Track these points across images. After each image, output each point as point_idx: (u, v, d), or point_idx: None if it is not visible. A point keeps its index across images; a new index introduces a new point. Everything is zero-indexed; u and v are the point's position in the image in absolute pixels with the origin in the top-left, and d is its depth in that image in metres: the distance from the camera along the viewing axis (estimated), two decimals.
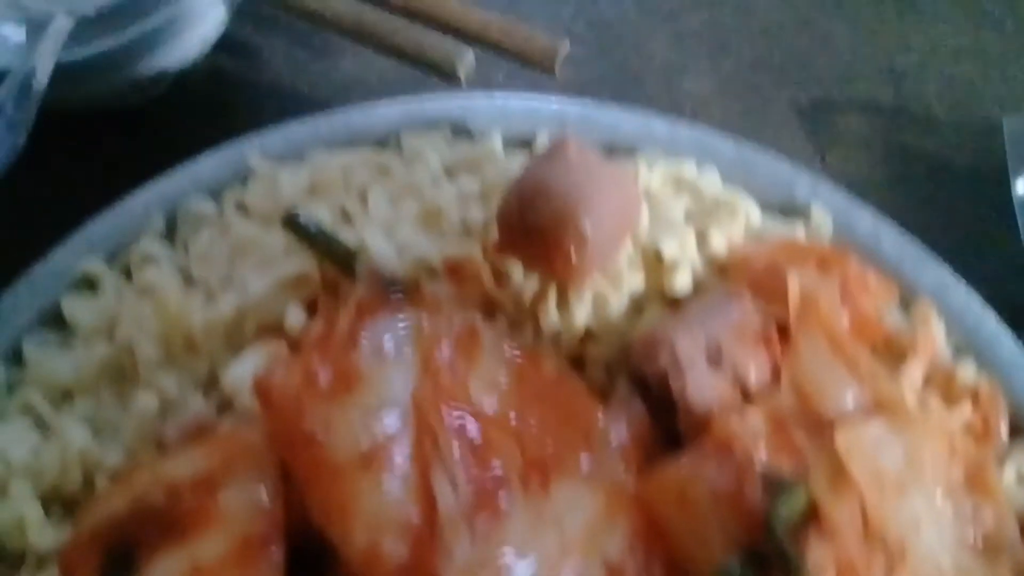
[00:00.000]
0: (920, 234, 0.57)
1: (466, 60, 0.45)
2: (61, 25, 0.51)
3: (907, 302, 0.39)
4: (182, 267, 0.37)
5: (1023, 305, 0.51)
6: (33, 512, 0.31)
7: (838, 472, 0.30)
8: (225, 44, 0.57)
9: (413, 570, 0.27)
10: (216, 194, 0.39)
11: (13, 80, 0.47)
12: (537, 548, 0.27)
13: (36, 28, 0.54)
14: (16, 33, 0.57)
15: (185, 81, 0.56)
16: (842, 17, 0.67)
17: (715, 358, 0.32)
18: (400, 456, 0.30)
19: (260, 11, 0.55)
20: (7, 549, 0.31)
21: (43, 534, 0.31)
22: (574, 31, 0.65)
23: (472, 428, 0.30)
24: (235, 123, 0.59)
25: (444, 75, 0.46)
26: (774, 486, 0.28)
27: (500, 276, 0.36)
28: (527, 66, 0.48)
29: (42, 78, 0.48)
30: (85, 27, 0.54)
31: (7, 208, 0.45)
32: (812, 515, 0.29)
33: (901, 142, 0.62)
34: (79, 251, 0.37)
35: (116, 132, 0.55)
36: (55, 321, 0.36)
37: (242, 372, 0.33)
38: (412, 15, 0.49)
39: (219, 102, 0.60)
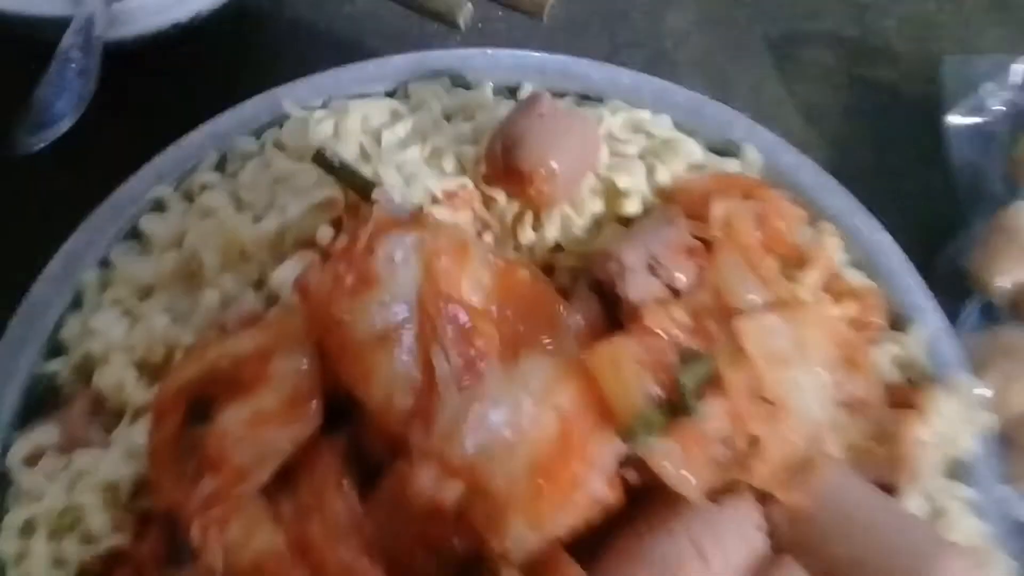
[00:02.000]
0: (869, 155, 0.63)
1: (465, 10, 0.53)
2: None
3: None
4: (232, 193, 0.45)
5: (944, 214, 0.60)
6: (130, 376, 0.41)
7: (737, 349, 0.39)
8: None
9: (416, 415, 0.36)
10: (258, 134, 0.48)
11: (76, 28, 0.53)
12: (505, 399, 0.36)
13: None
14: None
15: (216, 19, 0.60)
16: None
17: (653, 267, 0.41)
18: (407, 336, 0.38)
19: None
20: (111, 405, 0.41)
21: (137, 392, 0.40)
22: None
23: (462, 317, 0.39)
24: (261, 57, 0.66)
25: (446, 22, 0.53)
26: (686, 357, 0.37)
27: (488, 201, 0.44)
28: (520, 13, 0.55)
29: (101, 24, 0.54)
30: None
31: (80, 145, 0.51)
32: (715, 380, 0.38)
33: (861, 73, 0.68)
34: (150, 180, 0.46)
35: (155, 70, 0.60)
36: (135, 236, 0.45)
37: (285, 275, 0.42)
38: None
39: (245, 38, 0.64)
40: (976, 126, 0.61)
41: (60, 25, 0.54)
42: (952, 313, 0.53)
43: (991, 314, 0.56)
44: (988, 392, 0.49)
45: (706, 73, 0.67)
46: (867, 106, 0.66)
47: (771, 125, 0.61)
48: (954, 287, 0.56)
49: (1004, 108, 0.61)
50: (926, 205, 0.61)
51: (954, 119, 0.61)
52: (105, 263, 0.44)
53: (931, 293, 0.45)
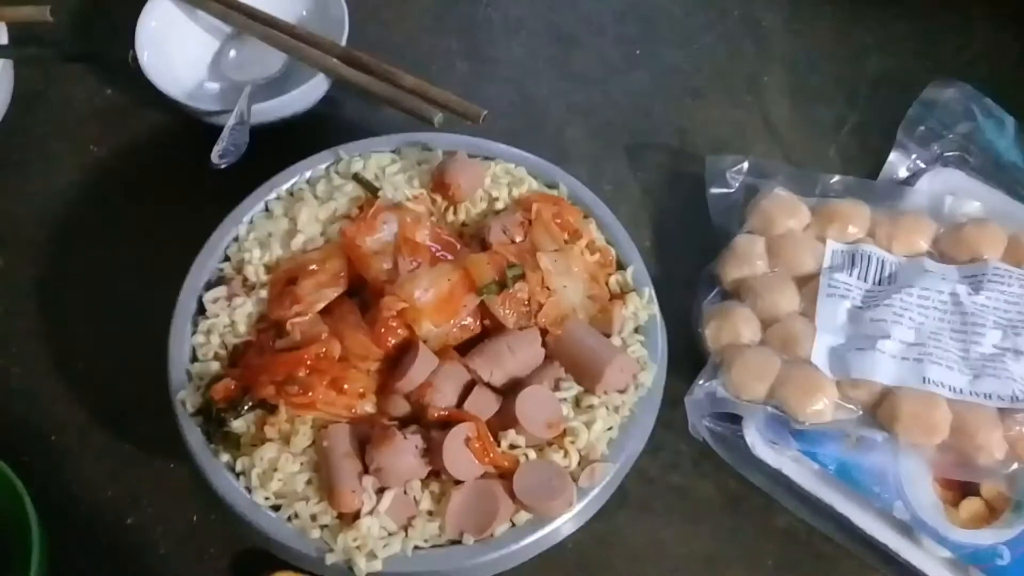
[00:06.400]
0: (679, 211, 0.94)
1: (438, 117, 0.83)
2: (249, 89, 1.00)
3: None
4: (313, 191, 0.85)
5: (710, 244, 0.90)
6: (260, 270, 0.82)
7: (536, 265, 0.80)
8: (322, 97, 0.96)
9: (388, 281, 0.79)
10: (327, 168, 0.85)
11: (235, 115, 0.92)
12: (427, 279, 0.77)
13: (230, 87, 0.98)
14: (215, 89, 1.02)
15: (303, 117, 0.94)
16: (657, 100, 1.03)
17: (505, 231, 0.79)
18: (389, 252, 0.82)
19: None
20: (250, 282, 0.84)
21: (263, 276, 0.83)
22: (510, 100, 1.02)
23: (415, 246, 0.84)
24: (328, 138, 0.90)
25: (427, 122, 0.85)
26: (511, 264, 0.79)
27: (434, 200, 0.85)
28: (468, 121, 0.91)
29: (247, 114, 0.97)
30: (261, 89, 0.95)
31: (239, 168, 0.87)
32: (524, 276, 0.81)
33: (677, 167, 0.98)
34: (274, 185, 0.88)
35: (268, 143, 0.88)
36: (266, 209, 0.88)
37: (335, 228, 0.86)
38: (413, 92, 0.88)
39: (319, 128, 0.96)
40: (725, 194, 0.91)
41: (222, 114, 1.00)
42: (708, 294, 0.87)
43: (724, 295, 0.86)
44: (709, 330, 0.93)
45: (587, 164, 0.97)
46: (680, 184, 0.96)
47: (621, 194, 1.00)
48: (709, 282, 0.86)
49: (738, 185, 0.91)
50: (701, 238, 0.91)
51: (713, 191, 0.91)
52: (251, 222, 0.81)
53: (638, 251, 0.85)
